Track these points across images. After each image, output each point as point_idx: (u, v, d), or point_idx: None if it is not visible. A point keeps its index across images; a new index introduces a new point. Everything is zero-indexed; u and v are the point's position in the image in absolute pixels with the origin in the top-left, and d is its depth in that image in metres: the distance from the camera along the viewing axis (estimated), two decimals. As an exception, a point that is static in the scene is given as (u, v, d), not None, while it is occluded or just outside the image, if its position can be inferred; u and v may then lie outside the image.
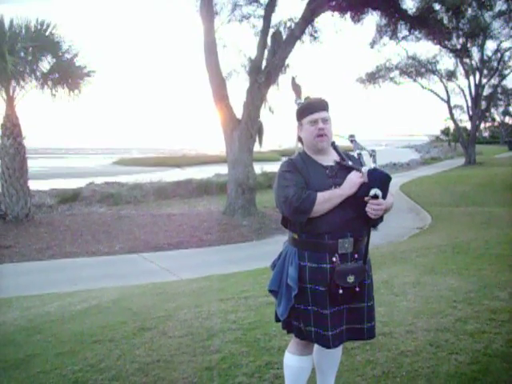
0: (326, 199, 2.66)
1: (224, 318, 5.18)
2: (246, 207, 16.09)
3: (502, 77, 40.20)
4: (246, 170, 16.09)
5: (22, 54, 14.52)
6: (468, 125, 44.06)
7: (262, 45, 16.36)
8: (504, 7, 26.55)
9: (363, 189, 2.66)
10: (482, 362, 3.69)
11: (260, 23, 17.15)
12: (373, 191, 2.61)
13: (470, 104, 40.54)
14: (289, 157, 2.95)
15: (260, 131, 17.05)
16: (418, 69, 39.07)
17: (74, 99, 15.51)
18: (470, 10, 21.64)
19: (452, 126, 52.17)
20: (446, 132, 64.25)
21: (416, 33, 22.29)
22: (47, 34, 14.66)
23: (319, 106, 2.85)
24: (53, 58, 15.16)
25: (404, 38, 24.63)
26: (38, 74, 14.99)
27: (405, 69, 38.99)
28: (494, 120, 59.35)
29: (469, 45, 31.46)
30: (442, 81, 40.05)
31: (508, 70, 39.74)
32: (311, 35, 18.59)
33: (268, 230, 14.51)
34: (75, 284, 8.76)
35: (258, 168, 19.96)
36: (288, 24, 17.55)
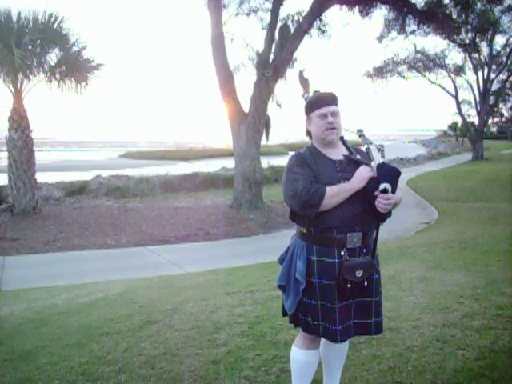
0: (335, 193, 2.65)
1: (230, 312, 5.18)
2: (253, 201, 16.10)
3: (511, 72, 39.92)
4: (253, 164, 16.09)
5: (30, 46, 14.51)
6: (476, 120, 43.89)
7: (270, 38, 16.32)
8: (514, 2, 26.41)
9: (372, 183, 2.65)
10: (488, 358, 3.68)
11: (268, 17, 17.14)
12: (382, 185, 2.60)
13: (478, 99, 40.37)
14: (297, 150, 2.94)
15: (267, 125, 17.03)
16: (426, 63, 38.91)
17: (82, 92, 15.52)
18: (479, 5, 21.51)
19: (460, 121, 51.90)
20: (453, 127, 63.94)
21: (424, 27, 22.22)
22: (55, 26, 14.66)
23: (328, 99, 2.84)
24: (60, 51, 15.17)
25: (412, 32, 24.60)
26: (46, 66, 15.00)
27: (413, 63, 38.83)
28: (502, 115, 58.93)
29: (478, 39, 31.33)
30: (450, 75, 39.88)
31: (517, 65, 39.50)
32: (319, 29, 18.54)
33: (274, 223, 14.51)
34: (82, 276, 8.79)
35: (264, 162, 19.93)
36: (296, 18, 17.48)
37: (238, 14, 18.03)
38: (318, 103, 2.83)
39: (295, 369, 2.95)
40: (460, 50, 34.82)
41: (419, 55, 38.07)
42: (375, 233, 2.78)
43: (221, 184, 22.56)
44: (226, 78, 16.05)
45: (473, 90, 40.56)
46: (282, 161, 25.21)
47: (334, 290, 2.69)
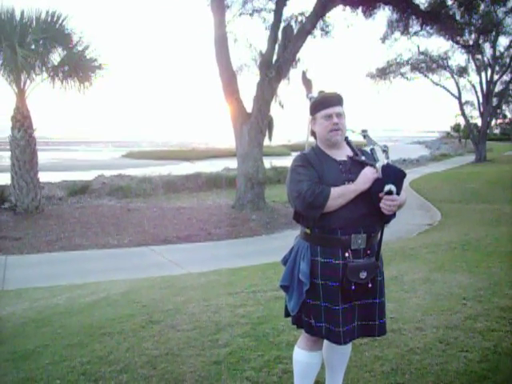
0: (340, 194, 2.64)
1: (232, 312, 5.18)
2: (255, 201, 16.09)
3: (514, 73, 39.84)
4: (256, 165, 16.08)
5: (33, 46, 14.52)
6: (479, 121, 43.75)
7: (273, 39, 16.31)
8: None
9: (377, 184, 2.64)
10: (491, 360, 3.67)
11: (271, 17, 17.14)
12: (387, 187, 2.59)
13: (481, 100, 40.26)
14: (302, 151, 2.93)
15: (270, 126, 17.03)
16: (429, 64, 38.84)
17: (85, 92, 15.52)
18: (482, 6, 21.50)
19: (463, 123, 51.82)
20: (456, 128, 63.86)
21: (428, 28, 22.16)
22: (58, 25, 14.66)
23: (334, 100, 2.82)
24: (63, 50, 15.17)
25: (415, 33, 24.50)
26: (49, 66, 15.00)
27: (416, 64, 38.74)
28: (505, 117, 58.80)
29: (481, 41, 31.29)
30: (453, 77, 39.82)
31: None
32: (322, 30, 18.56)
33: (277, 224, 14.50)
34: (84, 276, 8.78)
35: (267, 162, 19.93)
36: (299, 18, 17.53)
37: (241, 14, 18.04)
38: (323, 104, 2.82)
39: (297, 370, 2.95)
40: (463, 51, 34.81)
41: (422, 56, 37.98)
42: (379, 234, 2.77)
43: (223, 184, 22.55)
44: (229, 78, 16.05)
45: (476, 92, 40.49)
46: (285, 161, 25.24)
47: (337, 291, 2.68)
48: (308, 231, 2.78)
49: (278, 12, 16.44)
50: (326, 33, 18.69)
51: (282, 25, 16.80)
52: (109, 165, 34.87)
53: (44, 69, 14.95)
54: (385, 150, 2.76)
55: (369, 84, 40.38)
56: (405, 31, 23.09)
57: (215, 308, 5.42)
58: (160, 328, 4.83)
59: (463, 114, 42.41)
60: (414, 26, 21.89)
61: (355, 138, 2.97)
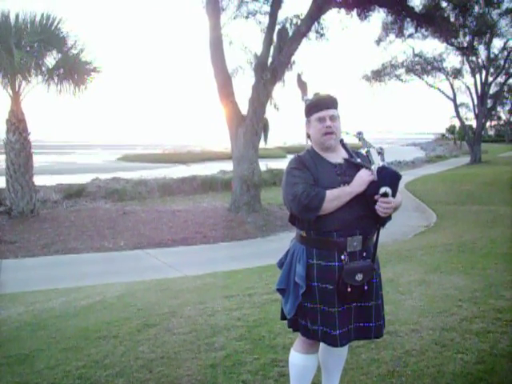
0: (335, 197, 2.64)
1: (228, 315, 5.17)
2: (251, 204, 16.07)
3: (509, 75, 39.86)
4: (251, 167, 16.06)
5: (28, 48, 14.50)
6: (474, 123, 43.91)
7: (268, 41, 16.31)
8: (511, 5, 26.45)
9: (372, 187, 2.64)
10: (487, 362, 3.67)
11: (266, 20, 17.13)
12: (383, 189, 2.59)
13: (476, 102, 40.41)
14: (297, 154, 2.92)
15: (265, 128, 17.03)
16: (424, 66, 38.96)
17: (80, 95, 15.49)
18: (476, 8, 21.58)
19: (458, 124, 52.05)
20: (451, 130, 64.14)
21: (422, 30, 22.25)
22: (53, 28, 14.64)
23: (327, 103, 2.82)
24: (58, 53, 15.15)
25: (410, 35, 24.63)
26: (44, 69, 14.96)
27: (411, 66, 38.88)
28: (499, 118, 59.17)
29: (475, 43, 31.39)
30: (448, 79, 39.96)
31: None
32: (317, 32, 18.56)
33: (273, 227, 14.50)
34: (79, 280, 8.76)
35: (263, 165, 19.93)
36: (294, 21, 17.53)
37: (236, 16, 18.06)
38: (317, 106, 2.82)
39: (294, 373, 2.94)
40: (458, 53, 34.93)
41: (417, 58, 38.12)
42: (375, 236, 2.77)
43: (219, 187, 22.54)
44: (224, 80, 16.05)
45: (471, 93, 40.62)
46: (281, 164, 25.25)
47: (333, 294, 2.68)
48: (304, 234, 2.78)
49: (273, 15, 16.43)
50: (321, 35, 18.71)
51: (277, 27, 16.81)
52: (104, 168, 34.85)
53: (39, 72, 14.91)
54: (380, 152, 2.76)
55: (364, 86, 40.54)
56: (400, 33, 23.20)
57: (211, 311, 5.42)
58: (156, 331, 4.82)
59: (458, 115, 42.58)
60: (409, 29, 22.04)
61: (351, 140, 2.97)
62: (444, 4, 19.10)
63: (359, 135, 2.89)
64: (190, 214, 16.08)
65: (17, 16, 14.28)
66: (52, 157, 49.90)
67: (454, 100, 40.92)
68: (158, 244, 12.26)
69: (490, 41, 35.31)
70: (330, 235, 2.69)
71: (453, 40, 27.61)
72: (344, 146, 2.91)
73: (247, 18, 18.37)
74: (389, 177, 2.65)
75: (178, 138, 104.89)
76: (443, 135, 70.32)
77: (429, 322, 4.55)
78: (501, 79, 40.55)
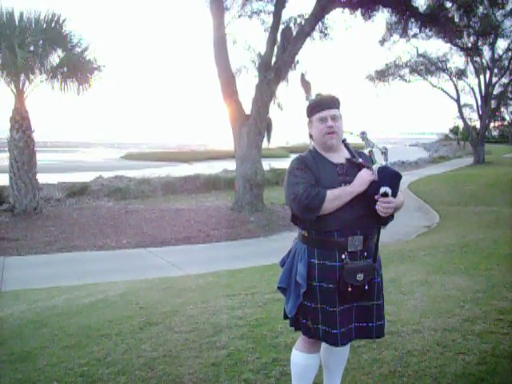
0: (336, 197, 2.65)
1: (231, 314, 5.17)
2: (254, 203, 16.08)
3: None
4: (254, 166, 16.07)
5: (32, 47, 14.51)
6: (477, 124, 43.88)
7: (272, 41, 16.31)
8: (516, 6, 26.34)
9: (373, 187, 2.64)
10: (489, 363, 3.67)
11: (270, 19, 17.14)
12: (382, 189, 2.60)
13: (479, 103, 40.36)
14: (299, 154, 2.93)
15: (269, 127, 17.05)
16: (427, 67, 38.90)
17: (84, 93, 15.50)
18: (481, 8, 21.51)
19: (461, 125, 51.91)
20: (454, 131, 63.97)
21: (426, 31, 22.20)
22: (57, 27, 14.67)
23: (329, 103, 2.82)
24: (62, 52, 15.17)
25: (414, 35, 24.56)
26: (48, 67, 14.98)
27: (415, 67, 38.83)
28: (503, 119, 59.02)
29: (480, 43, 31.32)
30: (451, 79, 39.89)
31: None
32: (321, 32, 18.56)
33: (275, 226, 14.50)
34: (82, 278, 8.78)
35: (266, 164, 19.93)
36: (298, 20, 17.52)
37: (240, 16, 18.04)
38: (319, 106, 2.82)
39: (295, 372, 2.94)
40: (462, 53, 34.81)
41: (421, 59, 38.06)
42: (376, 236, 2.77)
43: (222, 186, 22.56)
44: (228, 79, 16.05)
45: (474, 94, 40.60)
46: (284, 163, 25.19)
47: (334, 293, 2.69)
48: (305, 233, 2.79)
49: (277, 14, 16.43)
50: (325, 35, 18.72)
51: (281, 27, 16.81)
52: (107, 166, 34.88)
53: (43, 70, 14.92)
54: (384, 152, 2.77)
55: (368, 86, 40.47)
56: (404, 34, 23.14)
57: (213, 310, 5.42)
58: (158, 330, 4.82)
59: (462, 116, 42.53)
60: (413, 29, 21.97)
61: (355, 140, 2.97)
62: (448, 4, 19.05)
63: (363, 135, 2.89)
64: (193, 212, 16.09)
65: (21, 15, 14.32)
66: (55, 155, 49.93)
67: (458, 100, 40.88)
68: (161, 243, 12.28)
69: (495, 41, 35.22)
70: (330, 235, 2.70)
71: (457, 40, 27.54)
72: (346, 145, 2.91)
73: (251, 17, 18.40)
74: (389, 177, 2.65)
75: (182, 137, 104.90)
76: (447, 136, 70.13)
77: (431, 323, 4.55)
78: (505, 80, 40.53)
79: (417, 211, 16.83)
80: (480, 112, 40.58)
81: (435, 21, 18.82)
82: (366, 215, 2.69)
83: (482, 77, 39.35)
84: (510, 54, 37.17)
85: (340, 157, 2.82)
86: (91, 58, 15.42)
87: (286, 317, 2.92)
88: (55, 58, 15.19)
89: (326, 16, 17.45)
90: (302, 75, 17.13)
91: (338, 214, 2.67)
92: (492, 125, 54.34)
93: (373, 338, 2.88)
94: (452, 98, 40.74)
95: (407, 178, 24.81)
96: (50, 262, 10.32)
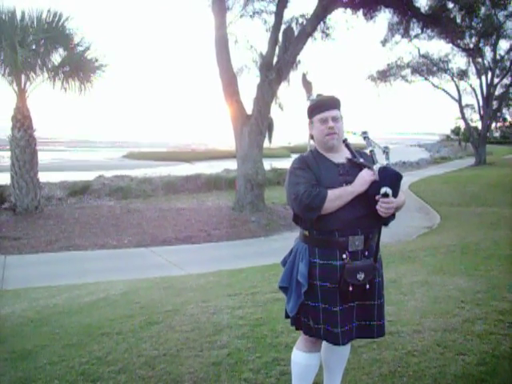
0: (337, 196, 2.66)
1: (231, 314, 5.18)
2: (255, 203, 16.08)
3: (515, 76, 39.83)
4: (256, 166, 16.07)
5: (34, 46, 14.52)
6: (479, 124, 43.81)
7: (274, 41, 16.30)
8: (518, 7, 26.32)
9: (374, 187, 2.65)
10: (489, 364, 3.67)
11: (272, 19, 17.11)
12: (383, 189, 2.60)
13: (481, 103, 40.32)
14: (301, 154, 2.94)
15: (270, 127, 17.04)
16: (429, 67, 38.88)
17: (85, 93, 15.50)
18: (483, 9, 21.52)
19: (463, 126, 51.89)
20: (456, 131, 63.94)
21: (428, 31, 22.20)
22: (59, 26, 14.65)
23: (330, 104, 2.83)
24: (64, 51, 15.16)
25: (416, 36, 24.56)
26: (50, 66, 14.98)
27: (416, 67, 38.80)
28: (505, 120, 58.87)
29: (481, 44, 31.31)
30: (453, 80, 39.85)
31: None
32: (323, 32, 18.53)
33: (276, 226, 14.51)
34: (83, 276, 8.78)
35: (267, 164, 19.92)
36: (300, 20, 17.51)
37: (242, 16, 18.00)
38: (320, 107, 2.82)
39: (296, 371, 2.95)
40: (464, 54, 34.84)
41: (423, 59, 38.04)
42: (377, 236, 2.78)
43: (223, 186, 22.55)
44: (230, 79, 16.05)
45: (476, 95, 40.52)
46: (285, 163, 25.19)
47: (335, 292, 2.70)
48: (307, 233, 2.79)
49: (278, 14, 16.42)
50: (327, 35, 18.67)
51: (283, 27, 16.79)
52: (109, 165, 34.89)
53: (45, 69, 14.92)
54: (385, 151, 2.78)
55: (369, 87, 40.47)
56: (405, 34, 23.16)
57: (214, 309, 5.43)
58: (159, 329, 4.83)
59: (463, 117, 42.48)
60: (415, 29, 21.99)
61: (356, 140, 2.98)
62: (450, 5, 19.05)
63: (364, 135, 2.91)
64: (194, 212, 16.10)
65: (23, 13, 14.31)
66: (57, 154, 49.93)
67: (460, 101, 40.85)
68: (162, 242, 12.29)
69: (496, 42, 35.21)
70: (331, 234, 2.70)
71: (459, 41, 27.53)
72: (347, 145, 2.92)
73: (253, 17, 18.34)
74: (389, 177, 2.66)
75: (183, 137, 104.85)
76: (448, 136, 70.10)
77: (431, 323, 4.55)
78: (507, 81, 40.45)
79: (418, 212, 16.82)
80: (481, 113, 40.55)
81: (437, 21, 18.83)
82: (367, 215, 2.70)
83: (483, 77, 39.35)
84: (511, 54, 37.13)
85: (341, 157, 2.83)
86: (93, 57, 15.42)
87: (287, 316, 2.93)
88: (57, 57, 15.20)
89: (328, 16, 17.44)
90: (304, 75, 17.13)
91: (339, 214, 2.68)
92: (493, 126, 54.20)
93: (373, 338, 2.89)
94: (454, 98, 40.71)
95: (408, 179, 24.80)
96: (51, 261, 10.33)
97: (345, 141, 2.92)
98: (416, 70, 39.16)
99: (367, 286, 2.72)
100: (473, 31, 25.02)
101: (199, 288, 6.86)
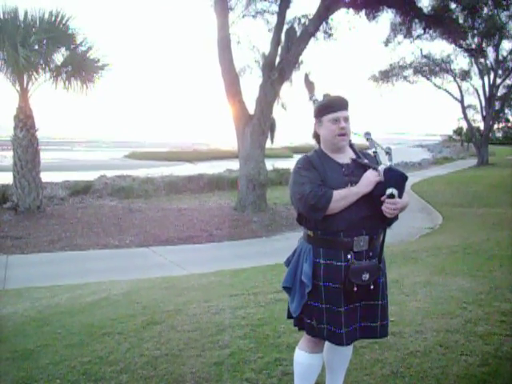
0: (342, 197, 2.65)
1: (233, 314, 5.18)
2: (257, 203, 16.09)
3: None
4: (258, 166, 16.08)
5: (36, 46, 14.53)
6: (481, 125, 43.79)
7: (276, 41, 16.30)
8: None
9: (379, 187, 2.65)
10: (491, 365, 3.67)
11: (274, 19, 17.11)
12: (389, 190, 2.60)
13: (483, 104, 40.30)
14: (305, 154, 2.93)
15: (272, 127, 17.03)
16: (431, 68, 38.85)
17: (88, 92, 15.51)
18: (485, 10, 21.46)
19: (465, 126, 51.82)
20: (458, 132, 63.86)
21: (431, 31, 22.15)
22: (61, 26, 14.66)
23: (342, 104, 2.82)
24: (66, 51, 15.17)
25: (418, 36, 24.48)
26: (52, 66, 14.99)
27: (419, 67, 38.77)
28: (507, 121, 58.76)
29: (484, 44, 31.24)
30: (455, 80, 39.81)
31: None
32: (325, 32, 18.52)
33: (278, 226, 14.50)
34: (85, 276, 8.79)
35: (269, 164, 19.93)
36: (302, 20, 17.49)
37: (244, 16, 18.02)
38: (331, 107, 2.81)
39: (298, 372, 2.95)
40: (466, 54, 34.74)
41: (425, 60, 38.00)
42: (382, 236, 2.78)
43: (225, 186, 22.55)
44: (232, 79, 16.05)
45: (478, 95, 40.52)
46: (287, 163, 25.25)
47: (340, 293, 2.69)
48: (311, 233, 2.79)
49: (281, 14, 16.42)
50: (329, 35, 18.67)
51: (285, 27, 16.79)
52: (111, 165, 34.92)
53: (47, 69, 14.93)
54: (388, 152, 2.78)
55: (371, 87, 40.39)
56: (408, 34, 23.11)
57: (216, 309, 5.42)
58: (160, 329, 4.83)
59: (466, 117, 42.44)
60: (417, 30, 21.93)
61: (357, 140, 2.97)
62: (453, 5, 19.02)
63: (367, 135, 2.90)
64: (196, 212, 16.10)
65: (25, 13, 14.32)
66: (59, 153, 49.98)
67: (462, 102, 40.82)
68: (164, 242, 12.29)
69: (499, 43, 35.16)
70: (336, 235, 2.70)
71: (461, 41, 27.43)
72: (351, 146, 2.92)
73: (255, 17, 18.37)
74: (395, 178, 2.66)
75: (185, 137, 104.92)
76: (450, 137, 69.99)
77: (433, 324, 4.55)
78: (509, 81, 40.38)
79: (420, 212, 16.80)
80: (484, 113, 40.52)
81: (439, 22, 18.79)
82: (372, 216, 2.70)
83: (486, 78, 39.32)
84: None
85: (345, 157, 2.83)
86: (95, 56, 15.43)
87: (289, 316, 2.93)
88: (59, 56, 15.21)
89: (330, 16, 17.44)
90: (306, 75, 17.09)
91: (344, 215, 2.68)
92: (496, 126, 54.09)
93: (377, 338, 2.88)
94: (456, 99, 40.72)
95: (411, 179, 24.48)
96: (53, 261, 10.33)
97: (349, 141, 2.91)
98: (418, 71, 39.12)
99: (371, 287, 2.72)
100: (475, 31, 24.94)
101: (201, 288, 6.86)
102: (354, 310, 2.74)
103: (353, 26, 19.62)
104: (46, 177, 16.53)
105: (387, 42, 28.43)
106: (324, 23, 17.68)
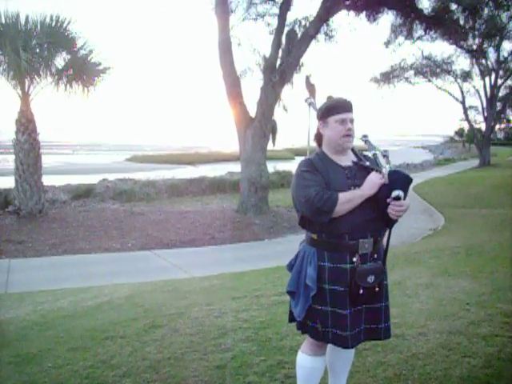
0: (348, 200, 2.65)
1: (235, 317, 5.17)
2: (259, 206, 16.09)
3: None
4: (259, 169, 16.08)
5: (37, 50, 14.56)
6: (483, 126, 43.76)
7: (277, 43, 16.31)
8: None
9: (384, 190, 2.65)
10: (494, 366, 3.66)
11: (275, 21, 17.13)
12: (395, 193, 2.60)
13: (485, 105, 40.25)
14: (306, 156, 2.93)
15: (273, 130, 17.04)
16: (432, 69, 38.81)
17: (89, 96, 15.53)
18: (486, 11, 21.44)
19: (466, 127, 51.79)
20: (460, 133, 63.80)
21: (431, 33, 22.13)
22: (62, 29, 14.68)
23: (348, 106, 2.83)
24: (68, 54, 15.19)
25: (419, 37, 24.47)
26: (53, 70, 15.00)
27: (420, 69, 38.75)
28: (509, 121, 58.74)
29: (485, 45, 31.22)
30: (457, 81, 39.78)
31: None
32: (326, 34, 18.53)
33: (280, 229, 14.50)
34: (87, 280, 8.79)
35: (271, 167, 19.93)
36: (303, 23, 17.49)
37: (245, 18, 18.03)
38: (338, 108, 2.81)
39: (301, 375, 2.94)
40: (467, 55, 34.74)
41: (426, 61, 37.97)
42: (387, 239, 2.78)
43: (227, 188, 22.56)
44: (233, 82, 16.06)
45: (480, 96, 40.45)
46: (289, 166, 25.26)
47: (345, 296, 2.69)
48: (315, 236, 2.78)
49: (281, 17, 16.44)
50: (330, 37, 18.67)
51: (286, 29, 16.80)
52: (112, 168, 34.94)
53: (48, 73, 14.94)
54: (385, 155, 2.77)
55: (372, 88, 40.40)
56: (408, 36, 23.11)
57: (218, 312, 5.42)
58: (163, 332, 4.83)
59: (467, 118, 42.39)
60: (418, 31, 21.92)
61: (355, 142, 2.97)
62: (453, 6, 19.01)
63: (365, 138, 2.90)
64: (198, 215, 16.10)
65: (26, 18, 14.33)
66: (61, 157, 50.02)
67: (463, 103, 40.79)
68: (166, 245, 12.30)
69: (500, 43, 35.09)
70: (341, 238, 2.70)
71: (462, 42, 27.42)
72: (352, 149, 2.92)
73: (256, 19, 18.37)
74: (400, 180, 2.66)
75: (186, 139, 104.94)
76: (452, 138, 69.95)
77: (436, 326, 4.54)
78: (510, 82, 40.38)
79: (422, 213, 16.79)
80: (485, 114, 40.48)
81: (440, 23, 18.79)
82: (376, 218, 2.70)
83: (487, 79, 39.26)
84: (515, 55, 37.06)
85: (347, 160, 2.83)
86: (97, 60, 15.44)
87: (290, 320, 2.92)
88: (60, 60, 15.23)
89: (331, 18, 17.45)
90: (307, 78, 17.11)
91: (349, 217, 2.67)
92: (497, 127, 54.13)
93: (381, 340, 2.88)
94: (457, 100, 40.68)
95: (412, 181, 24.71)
96: (55, 265, 10.34)
97: (351, 144, 2.92)
98: (419, 72, 39.11)
99: (376, 289, 2.72)
100: (476, 32, 24.91)
101: (203, 291, 6.86)
102: (358, 312, 2.73)
103: (353, 28, 19.67)
104: (47, 180, 16.54)
105: (388, 44, 28.40)
106: (325, 25, 17.69)
